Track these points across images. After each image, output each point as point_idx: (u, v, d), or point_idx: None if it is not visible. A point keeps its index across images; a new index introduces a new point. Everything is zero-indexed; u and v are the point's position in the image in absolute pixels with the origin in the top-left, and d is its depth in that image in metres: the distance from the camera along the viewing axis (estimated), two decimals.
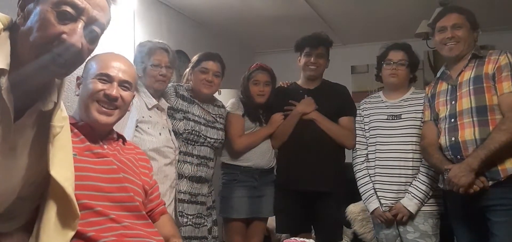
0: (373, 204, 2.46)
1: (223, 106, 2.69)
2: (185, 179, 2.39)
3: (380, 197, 2.43)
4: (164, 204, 1.68)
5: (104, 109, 1.41)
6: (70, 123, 1.40)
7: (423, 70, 4.46)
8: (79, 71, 1.52)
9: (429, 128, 2.25)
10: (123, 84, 1.45)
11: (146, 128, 2.15)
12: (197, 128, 2.43)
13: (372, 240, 3.53)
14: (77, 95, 1.47)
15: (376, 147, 2.48)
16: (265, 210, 2.71)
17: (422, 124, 2.37)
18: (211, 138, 2.49)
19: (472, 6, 3.23)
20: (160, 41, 2.37)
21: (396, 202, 2.38)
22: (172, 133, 2.33)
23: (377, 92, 2.66)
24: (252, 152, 2.64)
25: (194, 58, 2.54)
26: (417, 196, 2.33)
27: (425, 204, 2.35)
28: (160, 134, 2.19)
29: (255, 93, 2.67)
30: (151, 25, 3.53)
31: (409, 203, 2.34)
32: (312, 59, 2.66)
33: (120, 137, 1.57)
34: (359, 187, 2.55)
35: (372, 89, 5.02)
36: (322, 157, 2.61)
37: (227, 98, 2.88)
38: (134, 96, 1.57)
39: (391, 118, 2.47)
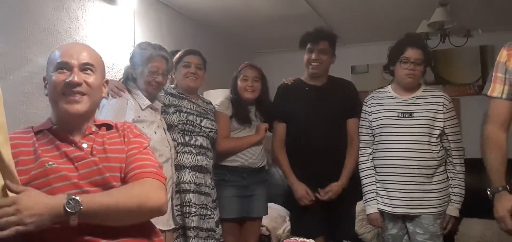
0: (372, 208, 2.43)
1: (210, 103, 2.72)
2: (187, 169, 2.40)
3: (392, 198, 2.35)
4: (143, 169, 1.37)
5: (71, 98, 1.34)
6: (45, 129, 1.37)
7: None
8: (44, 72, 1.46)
9: (499, 109, 1.71)
10: (84, 68, 1.38)
11: (141, 127, 2.16)
12: (190, 118, 2.46)
13: (372, 240, 3.53)
14: (47, 95, 1.41)
15: (386, 146, 2.37)
16: (257, 210, 2.70)
17: (436, 121, 2.31)
18: (206, 128, 2.51)
19: (472, 6, 3.24)
20: (160, 46, 2.36)
21: (409, 202, 2.31)
22: (167, 133, 2.35)
23: (385, 87, 2.53)
24: (241, 152, 2.64)
25: (176, 57, 2.57)
26: (459, 201, 2.34)
27: (436, 207, 2.31)
28: (155, 132, 2.21)
29: (242, 89, 2.68)
30: (151, 25, 3.53)
31: (455, 210, 2.34)
32: (313, 55, 2.57)
33: (104, 125, 1.47)
34: (362, 186, 2.48)
35: (372, 89, 5.03)
36: (334, 158, 2.56)
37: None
38: (106, 81, 1.49)
39: (402, 116, 2.35)
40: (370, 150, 2.46)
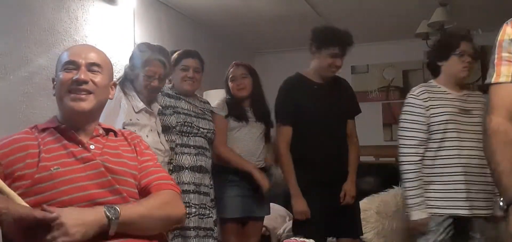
0: (423, 213, 2.16)
1: (207, 102, 2.73)
2: (186, 170, 2.40)
3: (472, 199, 2.13)
4: (163, 180, 1.44)
5: (77, 95, 1.35)
6: (51, 127, 1.37)
7: (423, 70, 4.46)
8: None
9: (507, 94, 1.36)
10: (91, 67, 1.39)
11: (133, 131, 2.15)
12: (188, 119, 2.46)
13: (372, 240, 3.53)
14: (54, 95, 1.42)
15: (452, 143, 2.17)
16: (260, 210, 2.70)
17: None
18: (204, 129, 2.52)
19: (472, 6, 3.23)
20: (160, 49, 2.33)
21: (488, 203, 2.15)
22: (162, 136, 2.33)
23: (429, 82, 2.33)
24: (240, 152, 2.64)
25: (174, 57, 2.55)
26: None
27: (488, 208, 2.18)
28: (147, 136, 2.17)
29: (234, 89, 2.71)
30: (151, 25, 3.53)
31: None
32: (339, 62, 2.50)
33: (111, 131, 1.49)
34: (407, 189, 2.20)
35: (372, 89, 5.06)
36: (344, 156, 2.55)
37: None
38: (114, 83, 1.51)
39: (463, 113, 2.20)
40: (422, 150, 2.20)
